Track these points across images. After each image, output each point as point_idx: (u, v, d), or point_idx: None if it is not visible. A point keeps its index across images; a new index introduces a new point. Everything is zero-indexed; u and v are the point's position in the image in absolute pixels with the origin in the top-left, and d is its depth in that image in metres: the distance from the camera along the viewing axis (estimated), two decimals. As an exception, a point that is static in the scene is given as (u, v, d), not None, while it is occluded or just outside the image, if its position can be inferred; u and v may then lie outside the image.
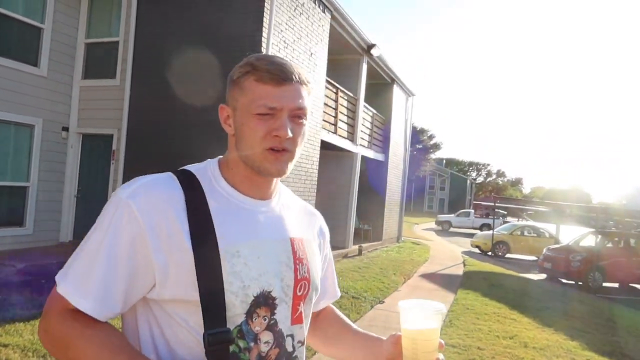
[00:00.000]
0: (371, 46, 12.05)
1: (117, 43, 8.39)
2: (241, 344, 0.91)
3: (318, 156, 9.62)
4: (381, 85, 14.64)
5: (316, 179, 9.61)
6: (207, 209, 0.93)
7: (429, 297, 7.78)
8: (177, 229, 0.89)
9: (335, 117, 10.84)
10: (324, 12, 9.42)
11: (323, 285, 1.17)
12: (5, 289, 5.75)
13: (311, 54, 8.95)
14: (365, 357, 1.11)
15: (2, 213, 7.73)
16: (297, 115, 0.95)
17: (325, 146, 10.68)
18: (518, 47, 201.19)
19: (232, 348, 0.90)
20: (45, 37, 8.10)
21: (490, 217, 28.62)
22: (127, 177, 7.94)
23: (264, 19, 7.32)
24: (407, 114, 16.68)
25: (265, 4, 7.32)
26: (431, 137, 54.10)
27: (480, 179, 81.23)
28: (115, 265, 0.87)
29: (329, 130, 10.42)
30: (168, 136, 7.85)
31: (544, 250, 13.79)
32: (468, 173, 76.55)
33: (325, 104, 10.16)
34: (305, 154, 9.00)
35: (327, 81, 10.29)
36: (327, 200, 12.07)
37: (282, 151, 0.94)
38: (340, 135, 11.18)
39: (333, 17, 9.97)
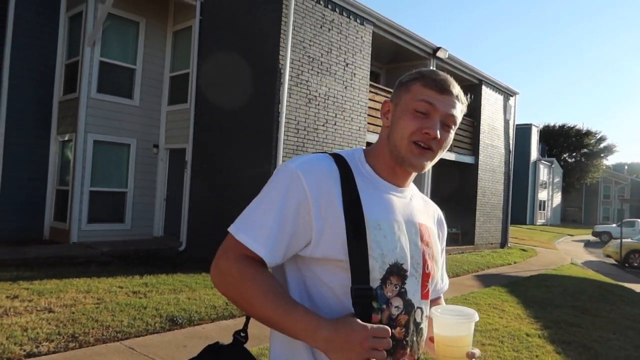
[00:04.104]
0: (436, 50, 12.21)
1: (188, 74, 10.32)
2: (375, 304, 1.03)
3: (364, 158, 10.23)
4: (467, 88, 14.40)
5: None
6: (355, 186, 1.08)
7: (455, 290, 7.87)
8: (333, 199, 1.04)
9: (393, 121, 11.27)
10: (362, 24, 10.11)
11: (437, 277, 1.27)
12: (87, 263, 7.77)
13: (346, 64, 9.73)
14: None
15: (108, 212, 10.10)
16: (447, 122, 1.11)
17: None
18: None
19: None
20: (137, 75, 10.42)
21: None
22: (193, 184, 9.77)
23: (281, 40, 8.42)
24: (507, 114, 15.94)
25: (282, 27, 8.42)
26: (601, 139, 48.14)
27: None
28: (284, 223, 1.03)
29: (383, 134, 10.94)
30: (221, 147, 9.38)
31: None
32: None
33: (375, 109, 10.73)
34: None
35: (377, 87, 10.88)
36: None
37: (427, 149, 1.10)
38: (401, 139, 11.55)
39: (378, 27, 10.57)
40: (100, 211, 9.88)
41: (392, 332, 1.00)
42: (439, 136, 1.08)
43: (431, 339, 1.12)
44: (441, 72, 1.15)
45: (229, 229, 1.08)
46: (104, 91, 9.88)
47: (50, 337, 4.09)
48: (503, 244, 15.90)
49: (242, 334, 1.11)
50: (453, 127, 1.13)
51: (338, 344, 0.94)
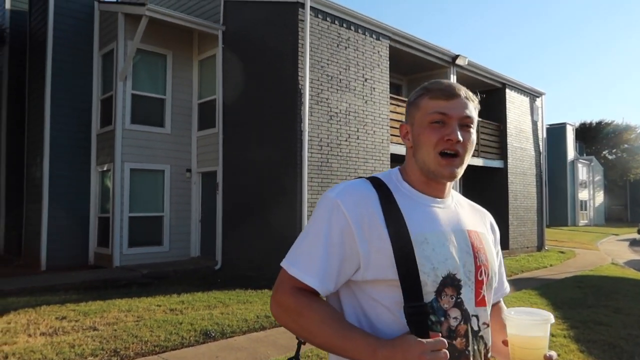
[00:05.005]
0: (455, 57, 12.33)
1: (215, 100, 10.81)
2: (433, 318, 1.05)
3: (389, 168, 10.40)
4: (490, 92, 14.41)
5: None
6: (396, 205, 1.11)
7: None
8: (375, 221, 1.08)
9: (415, 131, 11.42)
10: (378, 39, 10.38)
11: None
12: (129, 284, 8.23)
13: (365, 80, 9.99)
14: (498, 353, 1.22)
15: (147, 236, 10.61)
16: (466, 123, 1.13)
17: (408, 160, 11.34)
18: None
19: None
20: (167, 105, 11.00)
21: None
22: (225, 204, 10.18)
23: (299, 62, 8.78)
24: (534, 116, 15.80)
25: (299, 49, 8.78)
26: (641, 133, 46.40)
27: None
28: (331, 252, 1.08)
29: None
30: (249, 168, 9.78)
31: None
32: None
33: (397, 120, 10.92)
34: (372, 169, 9.94)
35: (398, 99, 11.08)
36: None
37: (453, 156, 1.12)
38: (425, 148, 11.67)
39: (394, 41, 10.81)
40: (139, 235, 10.40)
41: (453, 343, 1.05)
42: (461, 139, 1.12)
43: (504, 342, 1.10)
44: (444, 80, 1.20)
45: (282, 264, 1.14)
46: (137, 122, 10.46)
47: (94, 352, 4.46)
48: (540, 247, 15.64)
49: None
50: (472, 126, 1.15)
51: None
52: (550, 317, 1.04)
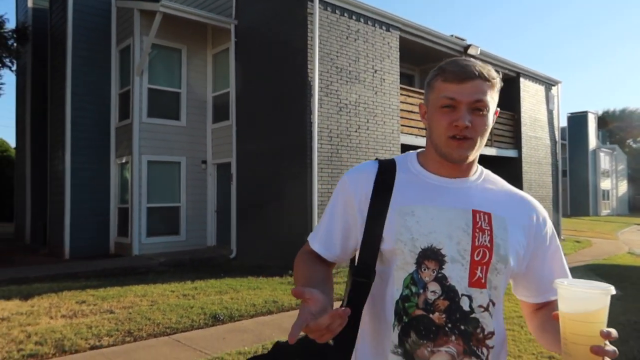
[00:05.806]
0: (467, 47, 12.32)
1: (228, 93, 11.06)
2: (413, 289, 1.10)
3: (399, 160, 10.53)
4: (504, 82, 14.27)
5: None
6: (391, 181, 1.19)
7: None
8: (367, 194, 1.18)
9: (427, 121, 11.49)
10: (388, 31, 10.46)
11: (548, 278, 1.21)
12: (146, 272, 8.58)
13: (375, 71, 10.10)
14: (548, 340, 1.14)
15: (164, 226, 10.97)
16: (477, 107, 1.12)
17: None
18: None
19: (405, 292, 1.10)
20: (182, 98, 11.29)
21: None
22: (239, 195, 10.45)
23: (308, 54, 8.94)
24: (550, 105, 15.66)
25: (309, 42, 8.94)
26: (667, 120, 45.26)
27: None
28: (334, 220, 1.24)
29: (417, 135, 11.19)
30: (261, 159, 10.02)
31: None
32: None
33: (408, 111, 11.01)
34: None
35: (409, 89, 11.16)
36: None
37: (463, 139, 1.12)
38: (437, 138, 11.73)
39: (405, 32, 10.87)
40: (157, 225, 10.77)
41: (430, 317, 1.07)
42: (468, 124, 1.10)
43: (555, 316, 1.00)
44: (461, 60, 1.16)
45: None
46: (154, 115, 10.79)
47: (110, 333, 4.77)
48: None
49: None
50: (485, 110, 1.13)
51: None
52: (611, 289, 0.91)
